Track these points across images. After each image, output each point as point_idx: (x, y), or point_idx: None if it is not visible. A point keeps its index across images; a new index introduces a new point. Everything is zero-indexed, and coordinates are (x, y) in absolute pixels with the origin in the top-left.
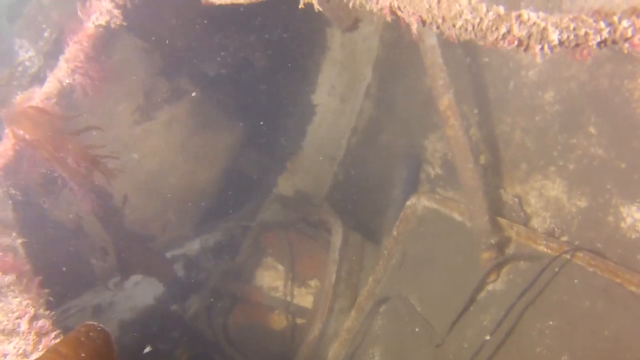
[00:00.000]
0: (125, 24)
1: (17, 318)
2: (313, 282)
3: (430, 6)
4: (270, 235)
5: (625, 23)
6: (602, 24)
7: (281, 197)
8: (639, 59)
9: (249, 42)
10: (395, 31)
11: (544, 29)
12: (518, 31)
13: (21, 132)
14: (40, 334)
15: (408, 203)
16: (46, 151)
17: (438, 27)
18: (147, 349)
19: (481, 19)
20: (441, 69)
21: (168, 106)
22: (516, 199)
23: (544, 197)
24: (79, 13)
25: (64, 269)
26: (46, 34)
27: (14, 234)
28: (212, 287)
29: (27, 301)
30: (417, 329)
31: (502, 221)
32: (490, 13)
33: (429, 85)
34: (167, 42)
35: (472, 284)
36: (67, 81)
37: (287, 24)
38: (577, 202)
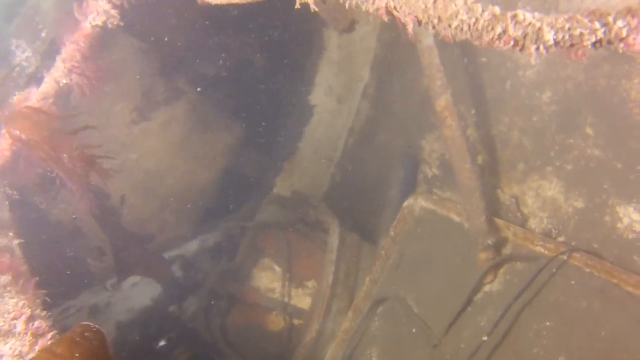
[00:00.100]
0: (122, 24)
1: (13, 319)
2: (310, 283)
3: (426, 6)
4: (268, 236)
5: (620, 23)
6: (597, 25)
7: (279, 198)
8: (636, 59)
9: (246, 43)
10: (393, 32)
11: (540, 29)
12: (514, 31)
13: (18, 132)
14: (37, 335)
15: (405, 204)
16: (43, 151)
17: (434, 28)
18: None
19: (477, 19)
20: (438, 69)
21: (166, 106)
22: (513, 200)
23: (541, 198)
24: (76, 14)
25: (61, 269)
26: (43, 35)
27: (10, 235)
28: (210, 288)
29: (23, 302)
30: (414, 330)
31: (500, 222)
32: (486, 13)
33: (427, 85)
34: (165, 42)
35: (469, 285)
36: (64, 81)
37: (285, 24)
38: (574, 202)
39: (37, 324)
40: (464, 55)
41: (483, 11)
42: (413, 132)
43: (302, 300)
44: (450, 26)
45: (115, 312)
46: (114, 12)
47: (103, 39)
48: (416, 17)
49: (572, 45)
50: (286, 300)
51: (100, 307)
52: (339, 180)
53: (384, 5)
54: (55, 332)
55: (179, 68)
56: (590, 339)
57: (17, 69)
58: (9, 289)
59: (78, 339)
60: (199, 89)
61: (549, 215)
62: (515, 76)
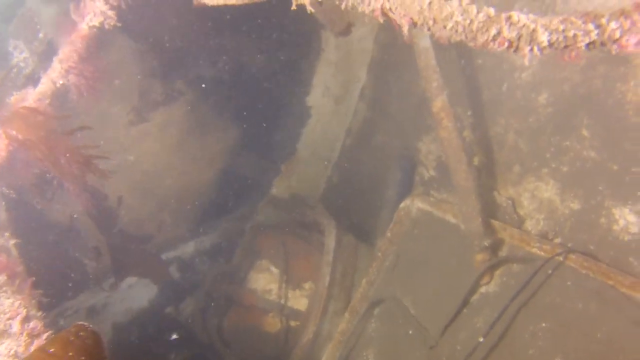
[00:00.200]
0: (119, 24)
1: (9, 319)
2: (307, 285)
3: (421, 8)
4: (265, 238)
5: (613, 24)
6: (590, 26)
7: (276, 199)
8: (631, 61)
9: (244, 44)
10: (390, 33)
11: (534, 30)
12: (508, 33)
13: (14, 132)
14: (33, 335)
15: (402, 205)
16: (39, 151)
17: (429, 29)
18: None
19: (472, 20)
20: (434, 70)
21: (163, 107)
22: (509, 201)
23: (537, 199)
24: (72, 15)
25: (57, 270)
26: (41, 35)
27: (7, 235)
28: (207, 290)
29: (19, 302)
30: (410, 331)
31: (496, 223)
32: (481, 15)
33: (423, 87)
34: (162, 43)
35: (465, 286)
36: (61, 82)
37: (282, 25)
38: (570, 204)
39: (32, 324)
40: (461, 57)
41: (478, 12)
42: (410, 133)
43: (299, 301)
44: (445, 27)
45: (113, 312)
46: (110, 13)
47: (100, 40)
48: (411, 18)
49: (565, 47)
50: (283, 301)
51: (98, 308)
52: (336, 181)
53: (379, 6)
54: (50, 332)
55: (176, 69)
56: (586, 340)
57: (15, 69)
58: (4, 289)
59: (72, 338)
60: (196, 90)
61: (545, 216)
62: (512, 78)
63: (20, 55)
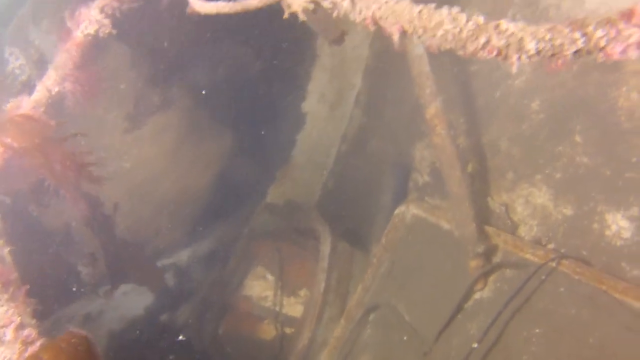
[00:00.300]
0: (114, 32)
1: (2, 327)
2: (302, 291)
3: (411, 16)
4: (261, 244)
5: (599, 33)
6: (577, 34)
7: (271, 206)
8: (624, 67)
9: (239, 50)
10: (384, 40)
11: (522, 39)
12: (497, 41)
13: (9, 140)
14: (27, 343)
15: (396, 211)
16: (35, 159)
17: (419, 37)
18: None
19: (461, 29)
20: (428, 77)
21: (159, 114)
22: (503, 207)
23: (531, 205)
24: (67, 23)
25: (52, 277)
26: (37, 43)
27: (1, 242)
28: (202, 297)
29: (13, 310)
30: (405, 338)
31: (489, 229)
32: (470, 23)
33: (417, 93)
34: (158, 50)
35: (459, 292)
36: (56, 89)
37: (277, 32)
38: (563, 209)
39: (26, 331)
40: (454, 64)
41: (467, 21)
42: (404, 139)
43: (294, 308)
44: (434, 36)
45: (108, 319)
46: (105, 21)
47: (95, 48)
48: (402, 26)
49: (552, 55)
50: (278, 308)
51: (93, 315)
52: (331, 187)
53: (370, 15)
54: (44, 339)
55: (171, 75)
56: (579, 346)
57: (10, 76)
58: None
59: (64, 345)
60: (191, 96)
61: (538, 222)
62: (505, 84)
63: (16, 62)
